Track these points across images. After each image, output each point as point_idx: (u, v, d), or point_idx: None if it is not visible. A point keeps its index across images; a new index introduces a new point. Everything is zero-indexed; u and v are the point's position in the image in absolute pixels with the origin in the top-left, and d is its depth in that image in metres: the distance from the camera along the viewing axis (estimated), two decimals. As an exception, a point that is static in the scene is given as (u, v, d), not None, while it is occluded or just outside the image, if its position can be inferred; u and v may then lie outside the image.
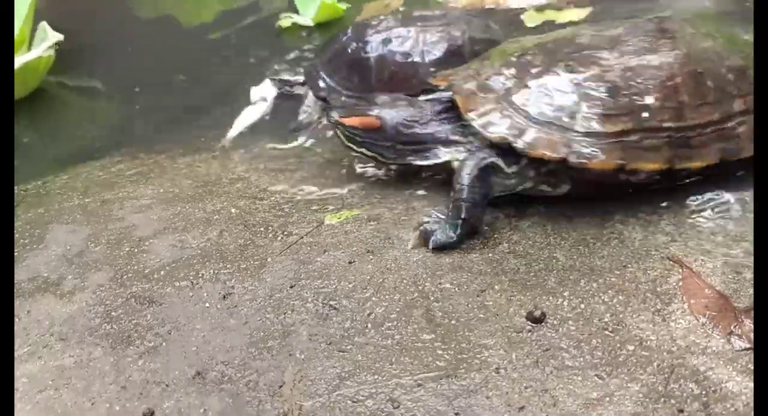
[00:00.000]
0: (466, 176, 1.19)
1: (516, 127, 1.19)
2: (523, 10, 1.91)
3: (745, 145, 1.17)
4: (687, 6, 1.80)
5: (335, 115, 1.36)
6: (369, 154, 1.35)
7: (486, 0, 2.02)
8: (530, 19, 1.86)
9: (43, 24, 1.86)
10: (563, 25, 1.77)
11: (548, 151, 1.16)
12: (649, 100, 1.16)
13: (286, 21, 2.10)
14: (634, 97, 1.16)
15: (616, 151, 1.14)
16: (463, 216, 1.17)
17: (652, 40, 1.23)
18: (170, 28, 2.19)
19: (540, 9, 1.89)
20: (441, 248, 1.18)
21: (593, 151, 1.15)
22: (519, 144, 1.17)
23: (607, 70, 1.19)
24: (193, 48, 2.06)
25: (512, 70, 1.26)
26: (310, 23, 2.08)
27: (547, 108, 1.19)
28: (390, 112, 1.32)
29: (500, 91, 1.24)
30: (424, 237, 1.19)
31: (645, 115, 1.15)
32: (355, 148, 1.36)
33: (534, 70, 1.23)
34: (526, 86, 1.22)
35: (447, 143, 1.30)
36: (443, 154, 1.30)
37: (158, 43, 2.11)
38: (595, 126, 1.16)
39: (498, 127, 1.20)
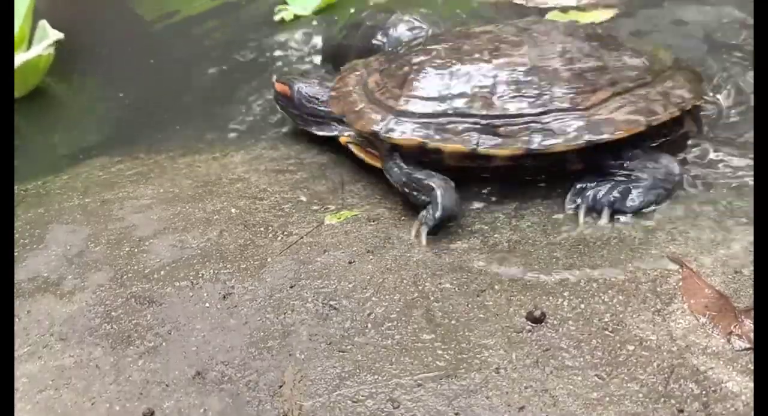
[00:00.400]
0: (396, 172, 1.29)
1: (355, 103, 1.35)
2: (551, 8, 1.91)
3: (554, 138, 1.21)
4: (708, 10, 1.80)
5: (273, 78, 1.56)
6: (287, 115, 1.57)
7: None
8: (553, 18, 1.86)
9: (43, 22, 1.86)
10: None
11: (366, 125, 1.30)
12: (464, 88, 1.24)
13: (288, 14, 2.10)
14: (451, 83, 1.25)
15: (423, 130, 1.24)
16: (424, 180, 1.24)
17: (503, 38, 1.31)
18: (170, 24, 2.18)
19: (564, 9, 1.89)
20: (444, 219, 1.20)
21: (402, 128, 1.25)
22: (349, 117, 1.34)
23: (441, 60, 1.29)
24: (194, 45, 2.06)
25: (383, 58, 1.41)
26: (308, 13, 2.09)
27: (382, 89, 1.32)
28: (301, 85, 1.49)
29: (363, 75, 1.40)
30: (425, 223, 1.22)
31: (457, 100, 1.24)
32: (279, 109, 1.58)
33: (392, 58, 1.38)
34: (379, 71, 1.37)
35: (341, 121, 1.41)
36: (336, 130, 1.44)
37: (159, 40, 2.10)
38: (410, 107, 1.27)
39: (343, 104, 1.37)
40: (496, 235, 1.21)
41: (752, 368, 0.94)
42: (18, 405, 1.00)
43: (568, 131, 1.21)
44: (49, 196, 1.47)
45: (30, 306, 1.16)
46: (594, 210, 1.22)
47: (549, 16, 1.87)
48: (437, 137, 1.23)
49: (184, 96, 1.84)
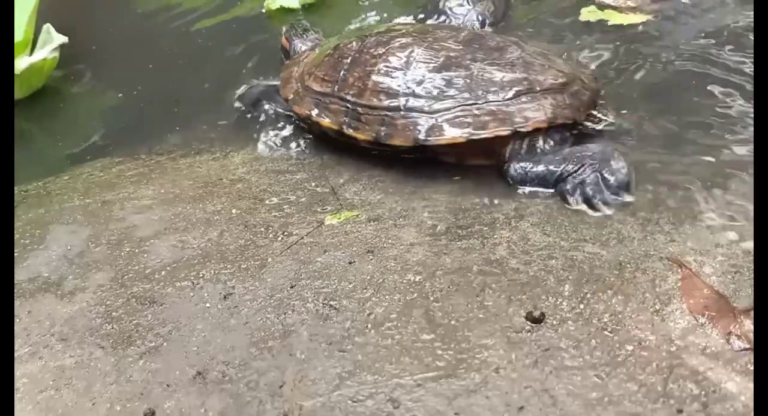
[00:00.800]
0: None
1: (291, 74, 1.58)
2: (590, 3, 1.92)
3: (396, 133, 1.36)
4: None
5: (283, 29, 1.82)
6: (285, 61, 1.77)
7: None
8: (586, 15, 1.87)
9: (48, 26, 1.86)
10: (615, 26, 1.81)
11: (284, 93, 1.55)
12: (347, 76, 1.43)
13: (273, 3, 2.11)
14: (341, 70, 1.44)
15: (313, 105, 1.46)
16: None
17: (401, 38, 1.44)
18: (172, 25, 2.19)
19: (602, 6, 1.90)
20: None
21: (300, 100, 1.49)
22: (280, 84, 1.58)
23: (348, 49, 1.47)
24: (195, 45, 2.06)
25: (338, 42, 1.55)
26: (297, 5, 2.11)
27: (309, 66, 1.53)
28: (296, 43, 1.74)
29: (305, 53, 1.64)
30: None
31: (339, 86, 1.44)
32: (282, 53, 1.82)
33: (338, 43, 1.54)
34: (312, 53, 1.60)
35: None
36: None
37: (160, 41, 2.11)
38: (311, 84, 1.49)
39: (285, 72, 1.60)
40: (495, 236, 1.21)
41: (752, 368, 0.94)
42: (18, 406, 1.00)
43: (408, 130, 1.35)
44: (49, 196, 1.48)
45: (30, 307, 1.16)
46: (603, 201, 1.26)
47: (584, 11, 1.88)
48: (320, 113, 1.45)
49: (184, 96, 1.84)
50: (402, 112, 1.36)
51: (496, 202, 1.30)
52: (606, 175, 1.27)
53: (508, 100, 1.33)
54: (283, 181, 1.44)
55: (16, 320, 1.14)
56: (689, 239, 1.15)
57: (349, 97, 1.41)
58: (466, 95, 1.33)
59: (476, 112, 1.32)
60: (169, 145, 1.64)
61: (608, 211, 1.24)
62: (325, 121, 1.43)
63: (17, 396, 1.01)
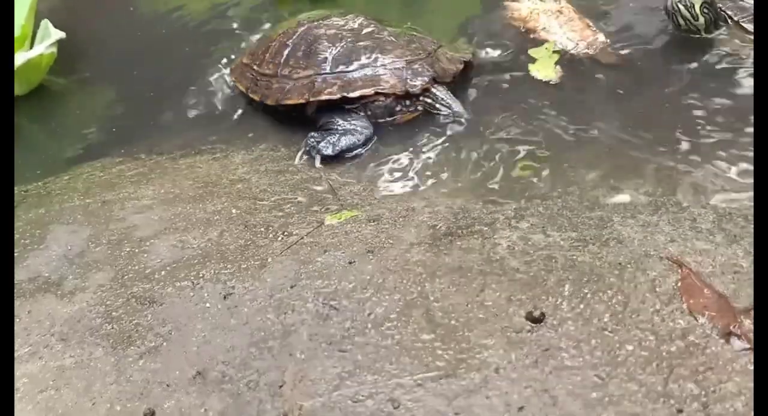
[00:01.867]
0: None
1: (245, 53, 1.83)
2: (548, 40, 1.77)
3: (271, 95, 1.63)
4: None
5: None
6: None
7: (531, 25, 1.85)
8: (535, 53, 1.76)
9: (46, 22, 1.86)
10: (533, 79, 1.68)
11: (232, 66, 1.83)
12: (258, 51, 1.73)
13: None
14: (261, 47, 1.73)
15: (240, 75, 1.74)
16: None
17: (309, 25, 1.69)
18: (173, 24, 2.18)
19: (558, 50, 1.73)
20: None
21: (235, 70, 1.79)
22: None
23: (275, 33, 1.74)
24: (198, 43, 2.05)
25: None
26: None
27: (249, 49, 1.82)
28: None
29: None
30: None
31: (253, 59, 1.72)
32: None
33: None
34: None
35: None
36: None
37: (160, 40, 2.10)
38: (244, 59, 1.77)
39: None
40: (495, 236, 1.21)
41: (752, 368, 0.94)
42: (18, 406, 1.00)
43: (277, 92, 1.62)
44: (49, 196, 1.48)
45: (31, 307, 1.16)
46: (309, 154, 1.53)
47: (538, 49, 1.75)
48: (239, 79, 1.74)
49: (185, 96, 1.84)
50: (278, 78, 1.64)
51: (496, 202, 1.30)
52: (322, 142, 1.52)
53: (349, 71, 1.59)
54: (283, 180, 1.44)
55: (16, 320, 1.14)
56: (689, 239, 1.15)
57: (255, 67, 1.70)
58: (322, 66, 1.61)
59: (319, 80, 1.60)
60: (169, 145, 1.64)
61: (318, 164, 1.51)
62: (240, 86, 1.72)
63: (17, 396, 1.01)
